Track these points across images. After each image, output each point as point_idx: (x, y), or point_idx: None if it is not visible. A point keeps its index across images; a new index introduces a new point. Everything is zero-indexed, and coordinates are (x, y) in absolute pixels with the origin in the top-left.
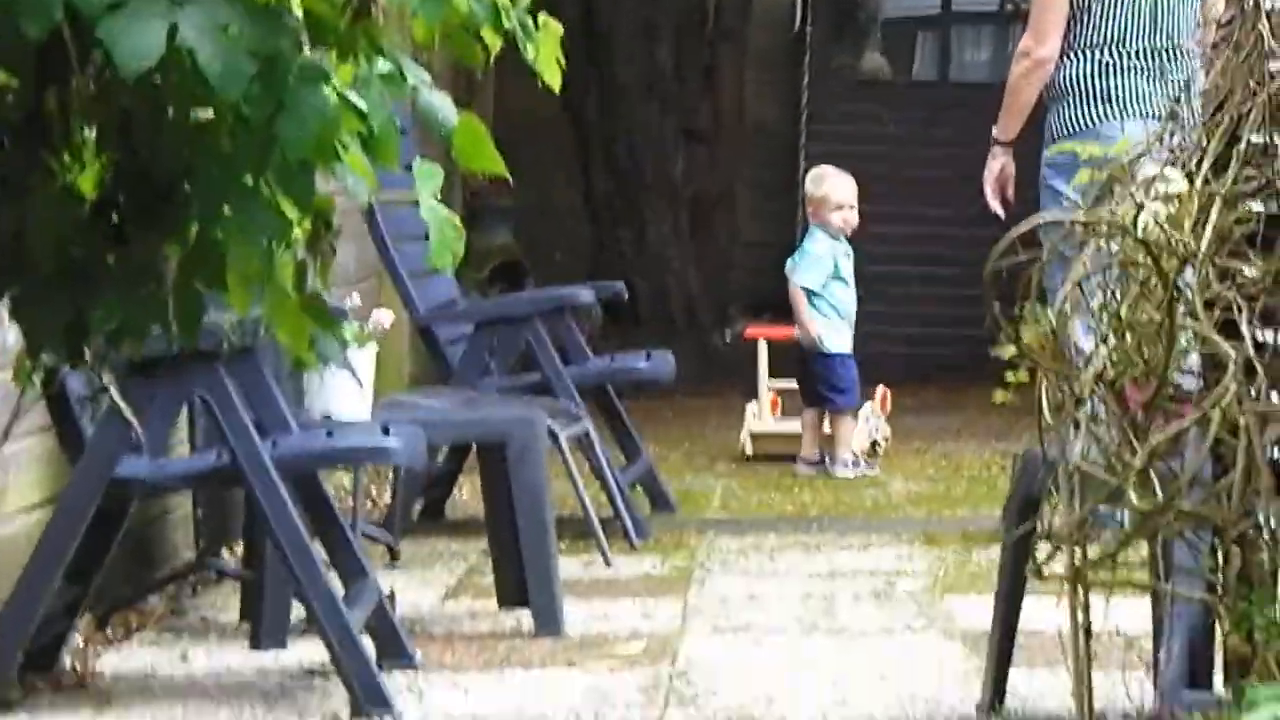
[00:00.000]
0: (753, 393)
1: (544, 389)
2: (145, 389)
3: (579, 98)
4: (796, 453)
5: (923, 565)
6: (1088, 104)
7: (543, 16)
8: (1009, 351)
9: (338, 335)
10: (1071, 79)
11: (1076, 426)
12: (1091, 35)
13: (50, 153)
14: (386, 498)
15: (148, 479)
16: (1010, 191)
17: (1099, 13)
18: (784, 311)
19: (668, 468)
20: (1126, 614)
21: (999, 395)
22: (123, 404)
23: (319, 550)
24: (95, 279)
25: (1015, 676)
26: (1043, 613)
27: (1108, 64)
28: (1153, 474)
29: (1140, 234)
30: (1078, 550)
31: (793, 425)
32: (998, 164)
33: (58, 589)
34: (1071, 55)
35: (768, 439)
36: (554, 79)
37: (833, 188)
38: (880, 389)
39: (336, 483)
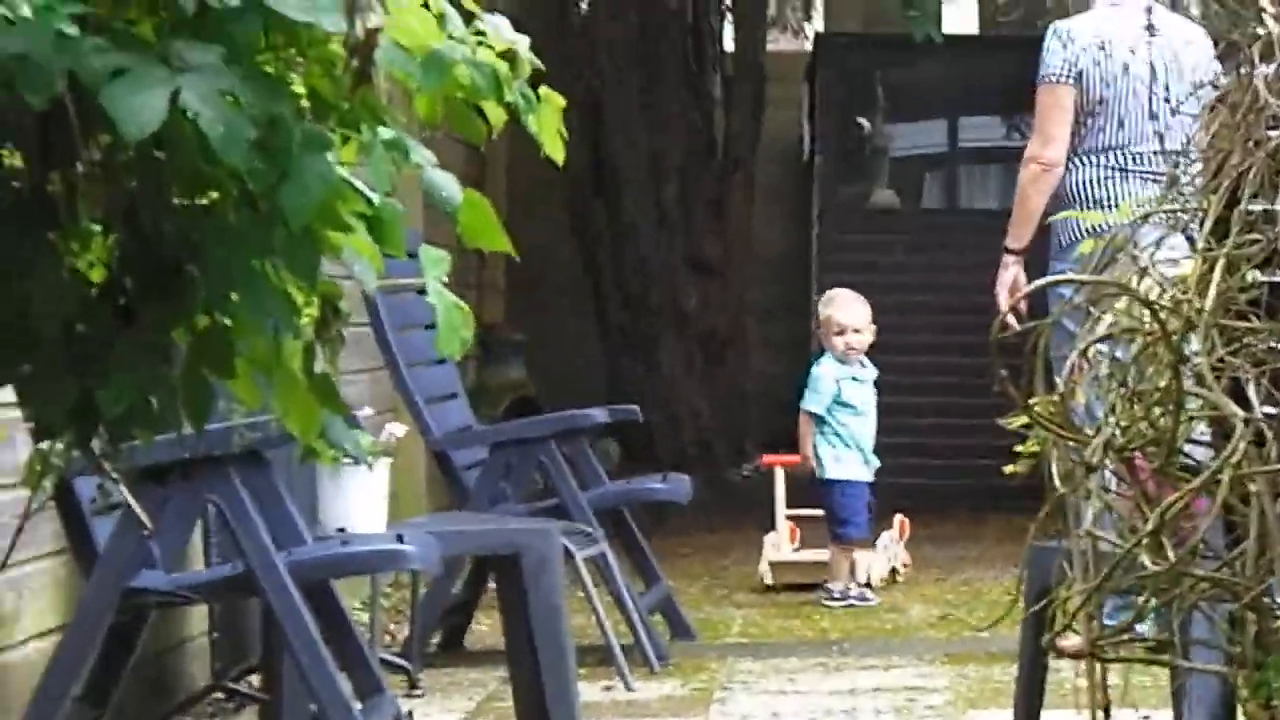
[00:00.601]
0: (771, 524)
1: (560, 514)
2: (157, 495)
3: (589, 232)
4: (818, 581)
5: (944, 682)
6: (1094, 210)
7: (544, 90)
8: (1019, 421)
9: (345, 413)
10: (1077, 185)
11: (1088, 496)
12: (1098, 139)
13: (56, 233)
14: (404, 633)
15: (164, 589)
16: (1023, 303)
17: (1104, 116)
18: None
19: (687, 600)
20: (1145, 697)
21: (1011, 469)
22: (136, 506)
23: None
24: (103, 359)
25: None
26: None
27: (1114, 169)
28: (1165, 541)
29: (1144, 297)
30: (1092, 622)
31: (813, 554)
32: (1009, 274)
33: (74, 709)
34: (1077, 160)
35: (787, 568)
36: (557, 151)
37: (836, 309)
38: (898, 517)
39: (355, 617)
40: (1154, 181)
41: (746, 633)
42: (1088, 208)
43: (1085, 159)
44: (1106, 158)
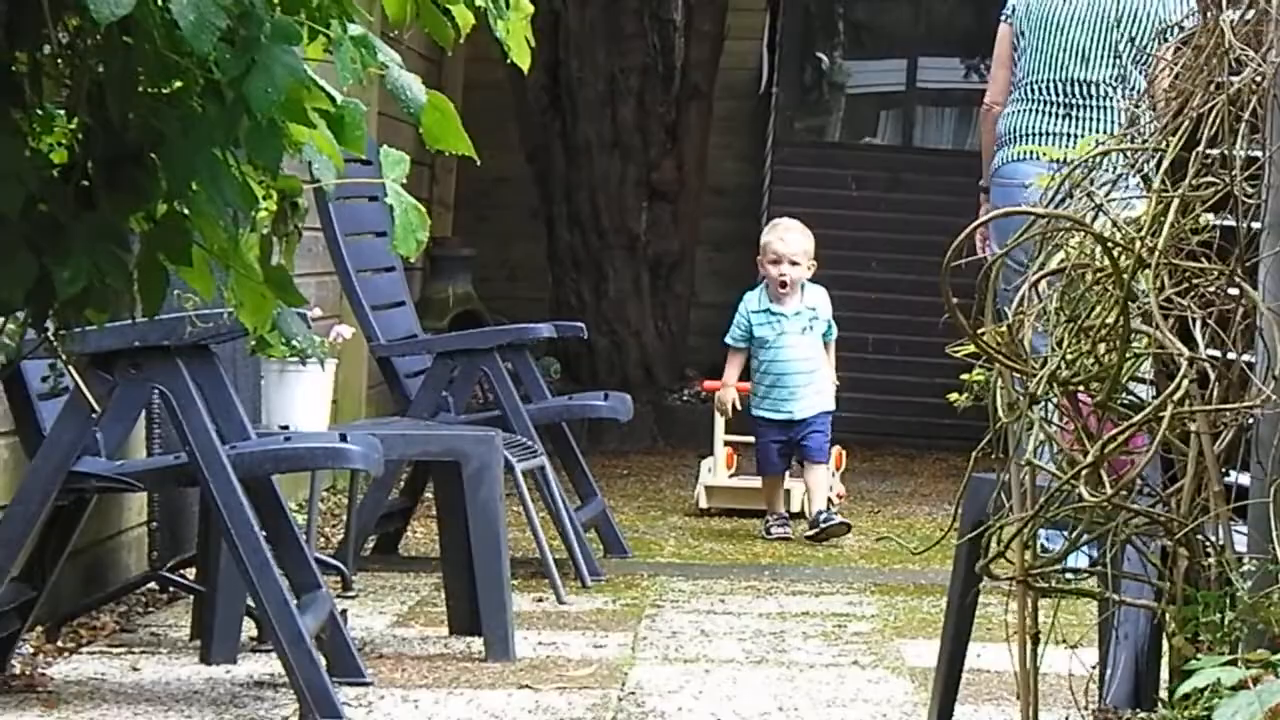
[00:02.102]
0: (708, 448)
1: (502, 426)
2: (105, 382)
3: (543, 152)
4: (752, 507)
5: (873, 610)
6: (1004, 147)
7: None
8: (966, 350)
9: (301, 304)
10: (1001, 125)
11: (1029, 428)
12: (1016, 78)
13: (20, 112)
14: (339, 538)
15: (105, 474)
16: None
17: (1021, 56)
18: (743, 370)
19: (622, 519)
20: (1071, 634)
21: (955, 397)
22: (85, 390)
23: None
24: (63, 239)
25: (961, 714)
26: (991, 655)
27: (1018, 104)
28: (1103, 475)
29: (1098, 233)
30: (1027, 553)
31: (748, 480)
32: (982, 211)
33: (11, 589)
34: (1011, 95)
35: (722, 492)
36: (523, 58)
37: (774, 237)
38: (835, 449)
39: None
40: (1066, 118)
41: (679, 554)
42: (1002, 146)
43: (1013, 93)
44: (1018, 92)
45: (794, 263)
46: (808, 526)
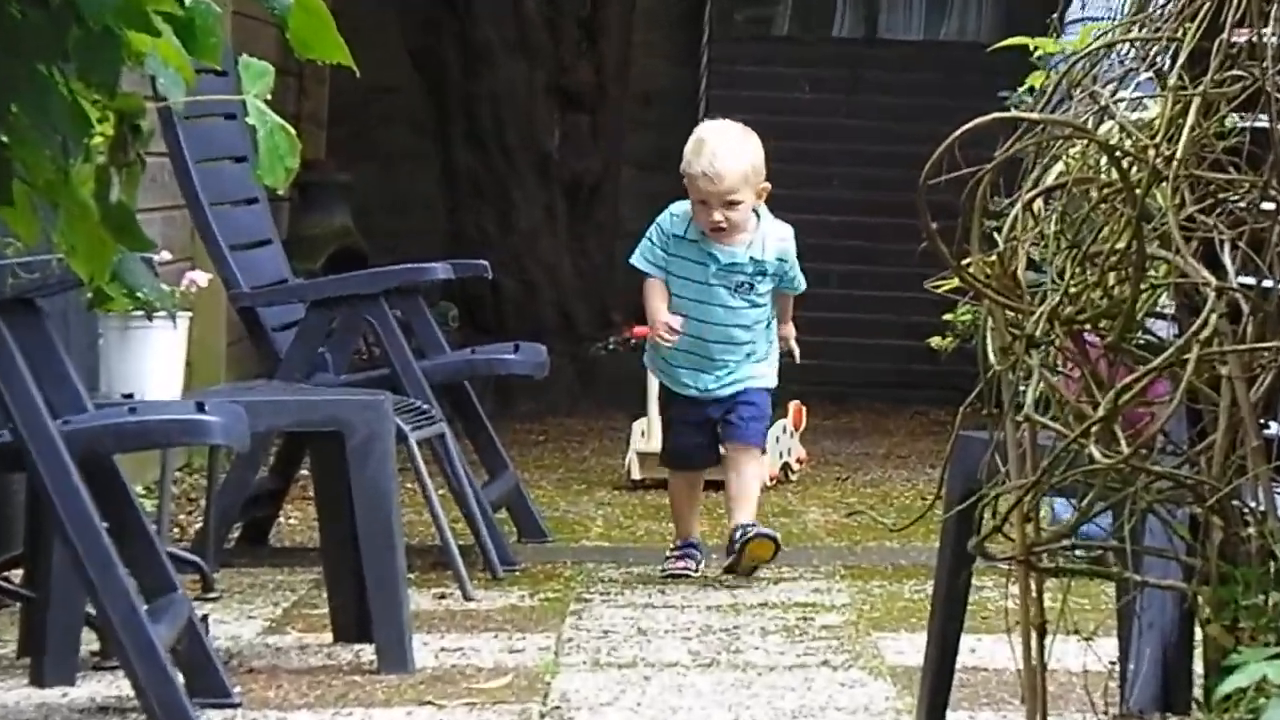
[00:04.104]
0: (640, 409)
1: (391, 387)
2: None
3: (433, 54)
4: None
5: (844, 599)
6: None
7: None
8: (948, 285)
9: (147, 249)
10: None
11: (1027, 376)
12: None
13: None
14: (197, 526)
15: None
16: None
17: None
18: None
19: (540, 496)
20: (1085, 621)
21: (937, 341)
22: None
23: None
24: None
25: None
26: (988, 649)
27: None
28: (1117, 431)
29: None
30: (1028, 526)
31: None
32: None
33: None
34: None
35: (657, 460)
36: None
37: (695, 165)
38: (793, 404)
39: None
40: None
41: (608, 535)
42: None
43: None
44: None
45: (731, 202)
46: (725, 551)
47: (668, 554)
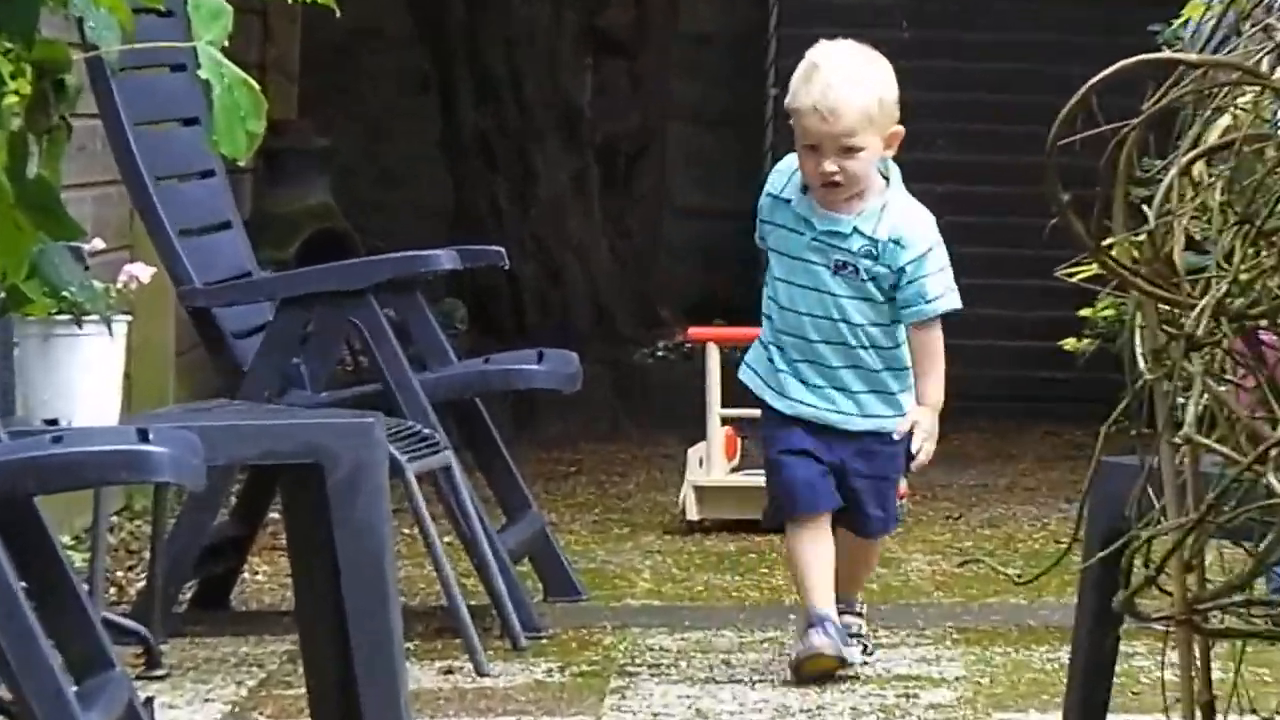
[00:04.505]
0: (698, 431)
1: (384, 406)
2: None
3: None
4: (760, 517)
5: (958, 670)
6: None
7: None
8: (1085, 273)
9: (75, 236)
10: None
11: (1187, 386)
12: None
13: None
14: (140, 583)
15: None
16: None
17: None
18: (744, 311)
19: (573, 543)
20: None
21: (1072, 343)
22: None
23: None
24: None
25: None
26: None
27: None
28: None
29: None
30: (1190, 576)
31: (759, 476)
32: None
33: None
34: None
35: (720, 496)
36: None
37: (804, 98)
38: None
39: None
40: None
41: (659, 592)
42: None
43: None
44: None
45: (849, 148)
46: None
47: (804, 629)
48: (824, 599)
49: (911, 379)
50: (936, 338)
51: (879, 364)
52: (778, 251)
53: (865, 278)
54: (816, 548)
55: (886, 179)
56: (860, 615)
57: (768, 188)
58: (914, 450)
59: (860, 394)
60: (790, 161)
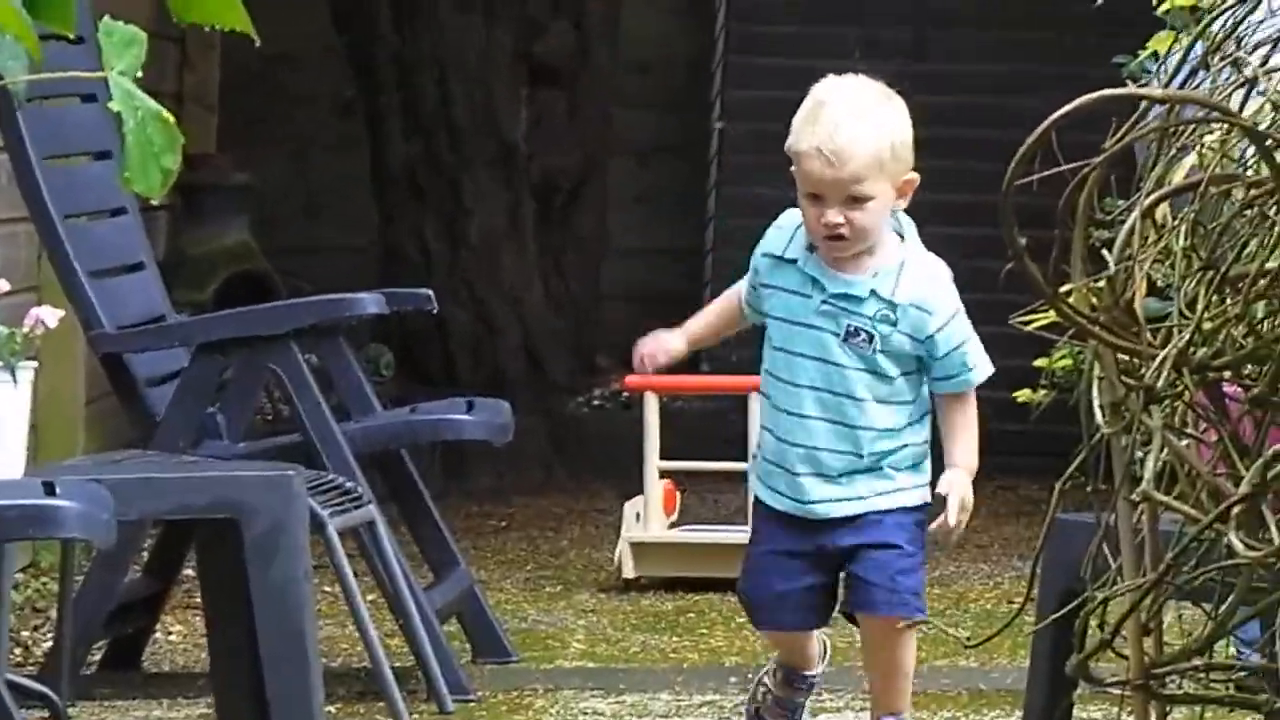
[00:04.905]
0: (634, 485)
1: (304, 459)
2: None
3: (361, 11)
4: (707, 575)
5: None
6: None
7: None
8: (1041, 320)
9: None
10: None
11: (1147, 440)
12: None
13: None
14: (47, 644)
15: None
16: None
17: None
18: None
19: (503, 601)
20: None
21: (1027, 394)
22: None
23: None
24: None
25: None
26: None
27: None
28: (1266, 513)
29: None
30: (1148, 639)
31: (699, 532)
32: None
33: None
34: None
35: (660, 553)
36: None
37: (806, 140)
38: None
39: None
40: None
41: (593, 653)
42: None
43: None
44: None
45: (857, 197)
46: None
47: (759, 681)
48: (800, 660)
49: (924, 430)
50: (973, 404)
51: (886, 433)
52: (776, 319)
53: (882, 350)
54: (792, 653)
55: (901, 236)
56: None
57: (765, 248)
58: (950, 522)
59: (855, 472)
60: (791, 217)
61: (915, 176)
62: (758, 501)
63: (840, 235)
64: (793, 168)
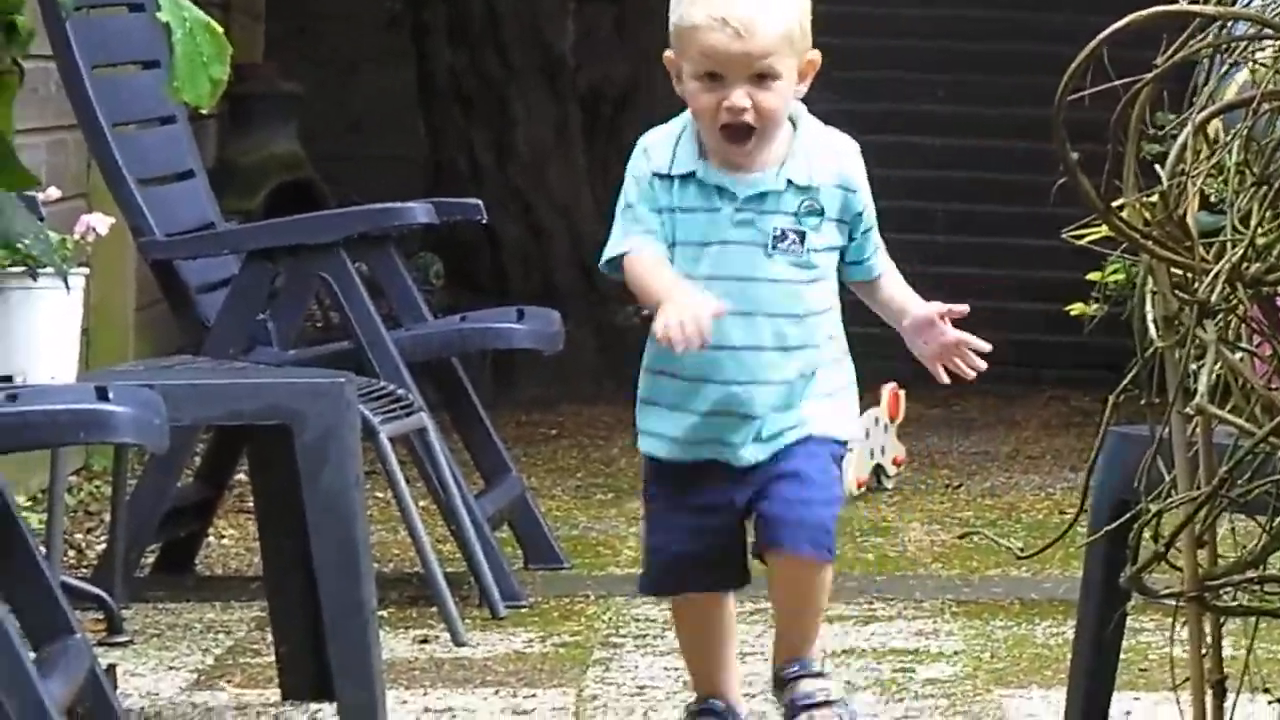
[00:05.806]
0: None
1: (355, 366)
2: None
3: None
4: None
5: (957, 645)
6: None
7: None
8: (1094, 234)
9: (30, 185)
10: None
11: (1200, 354)
12: None
13: None
14: (100, 547)
15: None
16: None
17: None
18: None
19: (554, 509)
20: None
21: (1079, 307)
22: None
23: None
24: None
25: None
26: (1147, 710)
27: None
28: None
29: None
30: (1202, 552)
31: None
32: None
33: None
34: None
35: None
36: None
37: (697, 11)
38: (888, 388)
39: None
40: None
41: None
42: None
43: None
44: None
45: (763, 75)
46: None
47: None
48: (713, 684)
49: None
50: (894, 276)
51: (817, 340)
52: (683, 244)
53: (815, 246)
54: (707, 627)
55: (793, 122)
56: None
57: (652, 168)
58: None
59: (789, 400)
60: (664, 132)
61: (817, 56)
62: (652, 460)
63: (743, 123)
64: (669, 52)
